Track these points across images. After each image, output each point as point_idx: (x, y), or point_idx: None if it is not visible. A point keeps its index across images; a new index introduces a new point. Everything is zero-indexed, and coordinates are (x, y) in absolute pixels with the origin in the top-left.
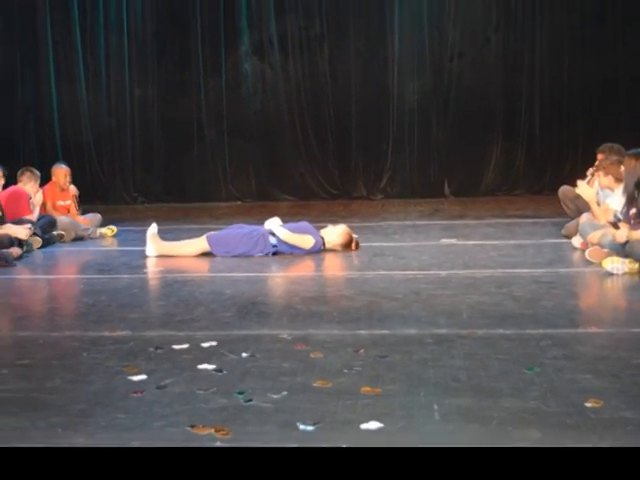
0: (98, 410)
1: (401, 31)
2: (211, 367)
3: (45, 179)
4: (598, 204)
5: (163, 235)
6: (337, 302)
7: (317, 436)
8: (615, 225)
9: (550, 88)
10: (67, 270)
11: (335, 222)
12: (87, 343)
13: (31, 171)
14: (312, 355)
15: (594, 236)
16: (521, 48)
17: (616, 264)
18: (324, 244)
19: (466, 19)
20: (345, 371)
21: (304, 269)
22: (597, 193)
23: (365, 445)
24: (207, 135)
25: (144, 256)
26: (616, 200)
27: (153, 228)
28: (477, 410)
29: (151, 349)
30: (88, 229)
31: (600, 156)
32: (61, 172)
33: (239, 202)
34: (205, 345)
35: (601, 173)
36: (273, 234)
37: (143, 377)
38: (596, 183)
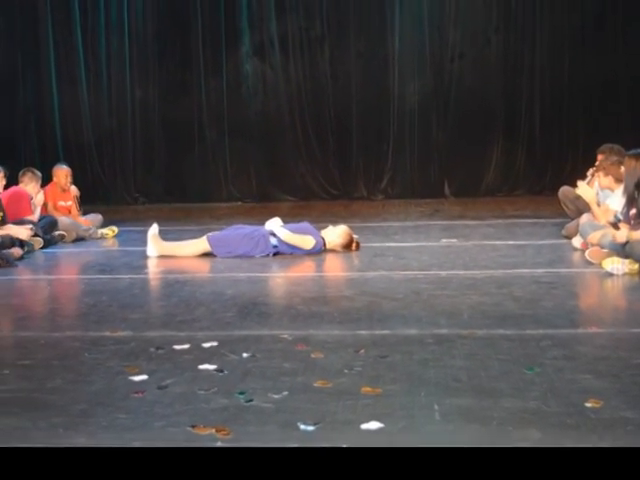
0: (99, 410)
1: (401, 32)
2: (212, 367)
3: (46, 180)
4: (598, 205)
5: (164, 235)
6: (338, 302)
7: (318, 436)
8: (615, 226)
9: (550, 88)
10: (68, 270)
11: (336, 222)
12: (88, 343)
13: (32, 172)
14: (313, 355)
15: (594, 236)
16: (521, 49)
17: (616, 264)
18: (325, 245)
19: (466, 20)
20: (346, 371)
21: (305, 269)
22: (597, 194)
23: (365, 445)
24: (208, 135)
25: (145, 256)
26: (616, 201)
27: (154, 228)
28: (477, 410)
29: (152, 349)
30: (89, 229)
31: (600, 157)
32: (62, 173)
33: (240, 202)
34: (206, 345)
35: (601, 174)
36: (274, 234)
37: (144, 377)
38: (596, 184)
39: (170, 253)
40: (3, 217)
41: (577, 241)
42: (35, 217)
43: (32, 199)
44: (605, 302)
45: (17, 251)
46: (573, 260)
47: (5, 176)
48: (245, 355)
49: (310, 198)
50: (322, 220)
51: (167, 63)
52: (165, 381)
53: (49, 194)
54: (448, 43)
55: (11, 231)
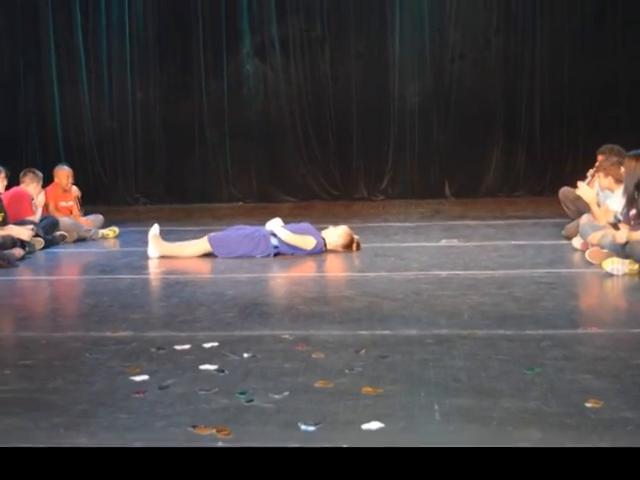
0: (100, 410)
1: (402, 33)
2: (213, 367)
3: (47, 180)
4: (598, 205)
5: (165, 236)
6: (338, 303)
7: (318, 436)
8: (615, 226)
9: (550, 90)
10: (69, 271)
11: (336, 223)
12: (89, 344)
13: (33, 172)
14: (313, 355)
15: (594, 237)
16: (521, 50)
17: (616, 265)
18: (325, 245)
19: (467, 21)
20: (346, 371)
21: (305, 270)
22: (597, 194)
23: (366, 445)
24: (209, 137)
25: (146, 257)
26: (616, 201)
27: (155, 229)
28: (477, 410)
29: (153, 350)
30: (90, 230)
31: (600, 157)
32: (63, 173)
33: (240, 203)
34: (207, 346)
35: (601, 174)
36: (274, 235)
37: (145, 377)
38: (596, 184)
39: (171, 254)
40: (4, 218)
41: (577, 242)
42: (36, 218)
43: (33, 200)
44: (605, 302)
45: (18, 251)
46: (573, 260)
47: (6, 177)
48: (246, 355)
49: (311, 199)
50: (323, 221)
51: (168, 65)
52: (166, 381)
53: (50, 195)
54: (448, 44)
55: (12, 231)
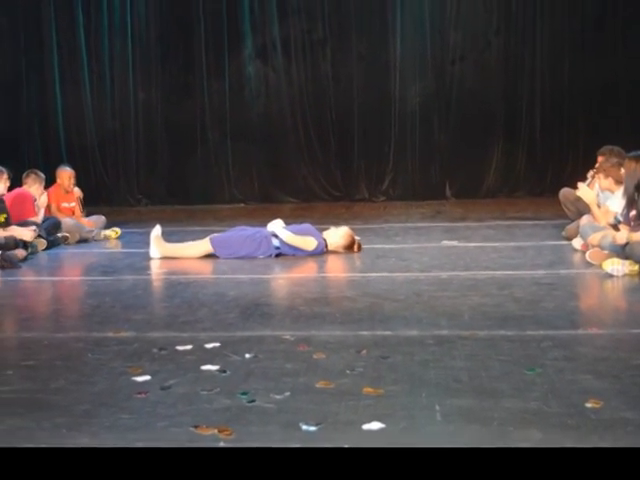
0: (102, 411)
1: (403, 34)
2: (214, 368)
3: (50, 181)
4: (598, 206)
5: (167, 237)
6: (339, 303)
7: (319, 436)
8: (615, 227)
9: (551, 91)
10: (71, 272)
11: (337, 224)
12: (91, 344)
13: (36, 173)
14: (315, 356)
15: (594, 238)
16: (522, 52)
17: (616, 266)
18: (326, 246)
19: (467, 23)
20: (347, 372)
21: (307, 271)
22: (597, 195)
23: (367, 445)
24: (210, 138)
25: (148, 258)
26: (616, 202)
27: (157, 230)
28: (478, 411)
29: (155, 350)
30: (92, 231)
31: (600, 158)
32: (65, 174)
33: (242, 204)
34: (208, 346)
35: (601, 175)
36: (276, 236)
37: (147, 378)
38: (596, 185)
39: (173, 254)
40: (7, 218)
41: (577, 242)
42: (39, 218)
43: (36, 201)
44: (605, 303)
45: (21, 252)
46: (573, 261)
47: (9, 178)
48: (247, 356)
49: (312, 200)
50: (324, 221)
51: (170, 66)
52: (168, 382)
53: (52, 196)
54: (449, 46)
55: (15, 232)
